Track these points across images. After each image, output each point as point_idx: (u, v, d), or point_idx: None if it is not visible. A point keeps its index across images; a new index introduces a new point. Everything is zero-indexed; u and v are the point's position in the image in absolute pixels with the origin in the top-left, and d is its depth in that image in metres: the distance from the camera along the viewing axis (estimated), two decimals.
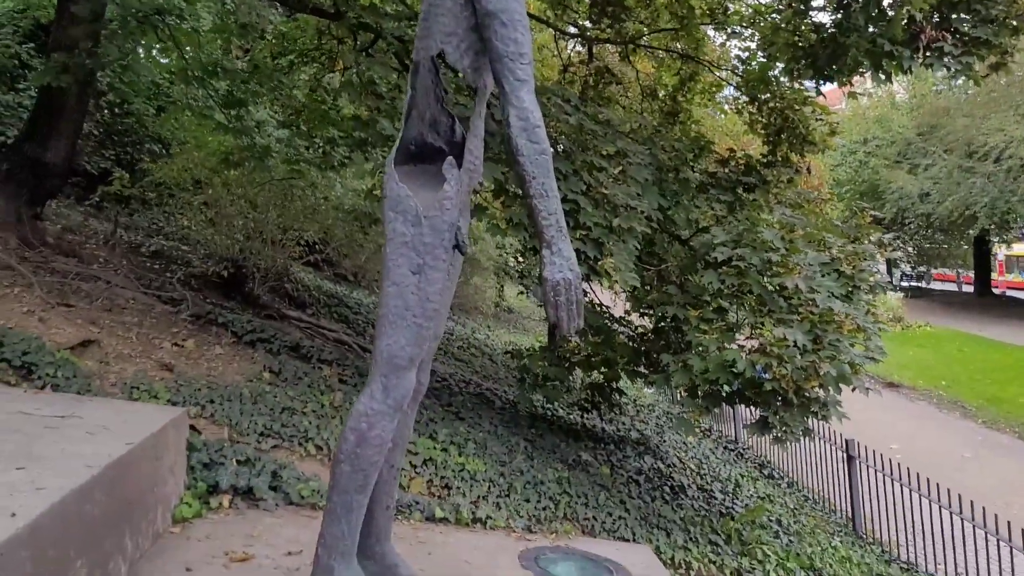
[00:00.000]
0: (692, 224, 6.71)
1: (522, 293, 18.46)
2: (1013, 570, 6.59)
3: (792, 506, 8.97)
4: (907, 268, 41.84)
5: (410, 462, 5.04)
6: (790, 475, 10.83)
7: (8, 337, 4.51)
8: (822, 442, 9.55)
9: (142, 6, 7.09)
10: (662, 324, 6.66)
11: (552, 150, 2.34)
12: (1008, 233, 31.64)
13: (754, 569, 5.46)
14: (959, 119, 28.33)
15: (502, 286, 21.97)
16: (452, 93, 2.63)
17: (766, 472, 10.86)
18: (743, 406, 7.90)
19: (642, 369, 6.81)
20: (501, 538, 3.61)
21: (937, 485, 7.45)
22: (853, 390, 5.45)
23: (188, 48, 7.50)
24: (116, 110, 11.18)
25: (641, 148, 6.09)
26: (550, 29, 11.76)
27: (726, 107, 11.45)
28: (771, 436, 5.74)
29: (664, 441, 9.59)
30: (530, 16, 11.72)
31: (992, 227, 29.57)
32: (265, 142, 8.17)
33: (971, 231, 30.67)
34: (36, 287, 5.83)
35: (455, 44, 2.43)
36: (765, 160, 8.70)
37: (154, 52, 8.35)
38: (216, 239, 8.45)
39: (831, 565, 6.47)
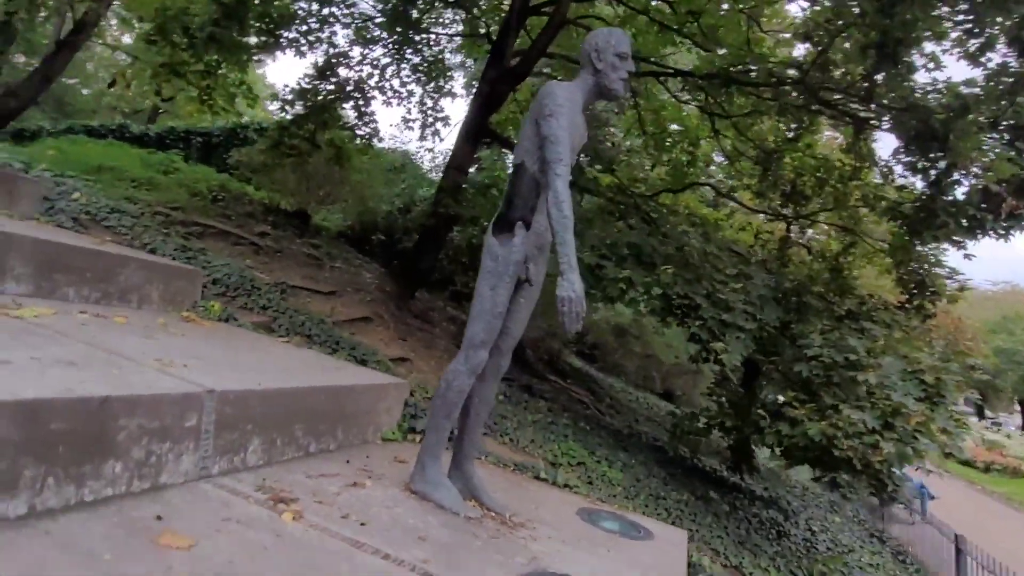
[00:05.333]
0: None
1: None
2: None
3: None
4: None
5: (568, 461, 4.99)
6: (927, 565, 8.66)
7: (360, 346, 5.31)
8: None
9: (479, 182, 8.19)
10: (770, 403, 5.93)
11: (572, 217, 2.42)
12: None
13: None
14: None
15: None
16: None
17: (900, 558, 8.75)
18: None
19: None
20: (576, 499, 3.48)
21: None
22: (916, 470, 4.45)
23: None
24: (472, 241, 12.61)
25: (766, 276, 5.66)
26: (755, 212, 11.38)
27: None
28: (839, 492, 4.82)
29: (803, 511, 8.18)
30: (741, 204, 11.40)
31: None
32: None
33: None
34: (392, 329, 6.79)
35: (531, 155, 2.65)
36: (899, 305, 7.57)
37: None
38: None
39: None
